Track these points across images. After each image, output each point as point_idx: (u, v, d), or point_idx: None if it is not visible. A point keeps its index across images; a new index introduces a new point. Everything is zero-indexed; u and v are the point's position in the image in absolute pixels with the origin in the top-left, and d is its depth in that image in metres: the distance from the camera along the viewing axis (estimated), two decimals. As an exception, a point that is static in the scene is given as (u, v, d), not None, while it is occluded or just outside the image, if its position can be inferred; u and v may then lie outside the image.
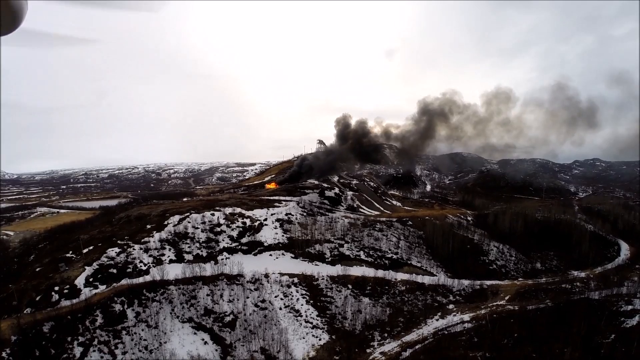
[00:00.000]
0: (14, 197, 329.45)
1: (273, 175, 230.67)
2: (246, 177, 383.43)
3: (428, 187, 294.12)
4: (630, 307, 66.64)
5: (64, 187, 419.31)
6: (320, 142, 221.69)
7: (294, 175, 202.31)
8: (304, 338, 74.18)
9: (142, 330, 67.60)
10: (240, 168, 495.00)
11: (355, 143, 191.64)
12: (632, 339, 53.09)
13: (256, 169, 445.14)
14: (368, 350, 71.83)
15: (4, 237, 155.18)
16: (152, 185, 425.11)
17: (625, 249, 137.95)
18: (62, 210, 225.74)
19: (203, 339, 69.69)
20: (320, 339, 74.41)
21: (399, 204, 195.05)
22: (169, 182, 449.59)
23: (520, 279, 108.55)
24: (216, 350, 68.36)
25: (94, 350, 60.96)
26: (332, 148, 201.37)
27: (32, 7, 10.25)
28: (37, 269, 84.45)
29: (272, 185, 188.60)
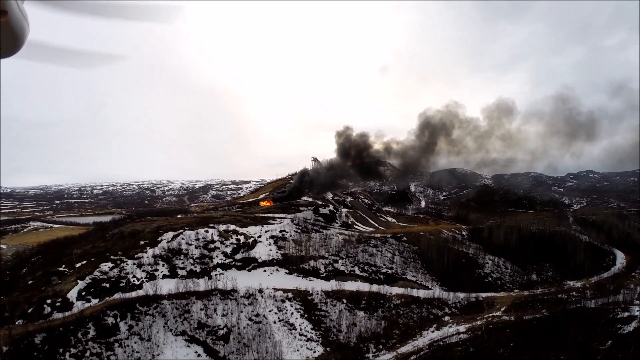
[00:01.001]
0: (7, 210, 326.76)
1: (267, 193, 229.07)
2: (241, 195, 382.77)
3: (422, 204, 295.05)
4: (626, 313, 66.71)
5: (58, 202, 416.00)
6: (315, 160, 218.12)
7: (293, 191, 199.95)
8: (298, 351, 73.54)
9: (135, 342, 66.90)
10: (235, 186, 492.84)
11: (356, 157, 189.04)
12: (629, 344, 53.10)
13: (251, 187, 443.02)
14: (363, 363, 71.34)
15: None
16: (146, 202, 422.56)
17: (620, 258, 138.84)
18: (55, 225, 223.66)
19: (196, 352, 68.99)
20: (314, 352, 73.84)
21: (393, 220, 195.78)
22: (163, 199, 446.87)
23: (516, 291, 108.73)
24: (209, 363, 67.75)
25: (86, 363, 60.29)
26: (333, 163, 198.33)
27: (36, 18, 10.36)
28: (30, 282, 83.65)
29: (266, 203, 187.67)
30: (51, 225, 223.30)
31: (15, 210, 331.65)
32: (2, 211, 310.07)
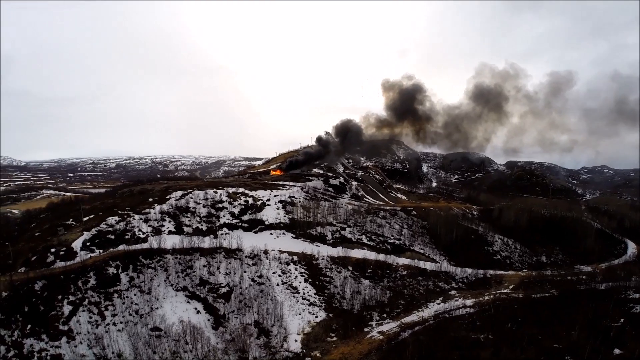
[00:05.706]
0: (21, 182, 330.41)
1: (279, 164, 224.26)
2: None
3: (434, 184, 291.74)
4: (638, 295, 64.69)
5: (71, 175, 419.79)
6: (327, 133, 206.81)
7: (327, 145, 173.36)
8: (299, 314, 72.42)
9: (135, 294, 66.33)
10: (248, 162, 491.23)
11: (407, 111, 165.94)
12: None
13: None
14: (366, 329, 70.05)
15: (9, 214, 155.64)
16: (158, 176, 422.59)
17: (632, 247, 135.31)
18: (67, 194, 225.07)
19: (196, 308, 68.22)
20: (316, 316, 72.65)
21: (403, 197, 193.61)
22: (176, 173, 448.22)
23: (524, 270, 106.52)
24: (208, 320, 66.75)
25: (84, 310, 59.55)
26: (382, 120, 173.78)
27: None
28: (36, 234, 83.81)
29: (277, 172, 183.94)
30: (63, 193, 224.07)
31: (28, 182, 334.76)
32: (16, 183, 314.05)
